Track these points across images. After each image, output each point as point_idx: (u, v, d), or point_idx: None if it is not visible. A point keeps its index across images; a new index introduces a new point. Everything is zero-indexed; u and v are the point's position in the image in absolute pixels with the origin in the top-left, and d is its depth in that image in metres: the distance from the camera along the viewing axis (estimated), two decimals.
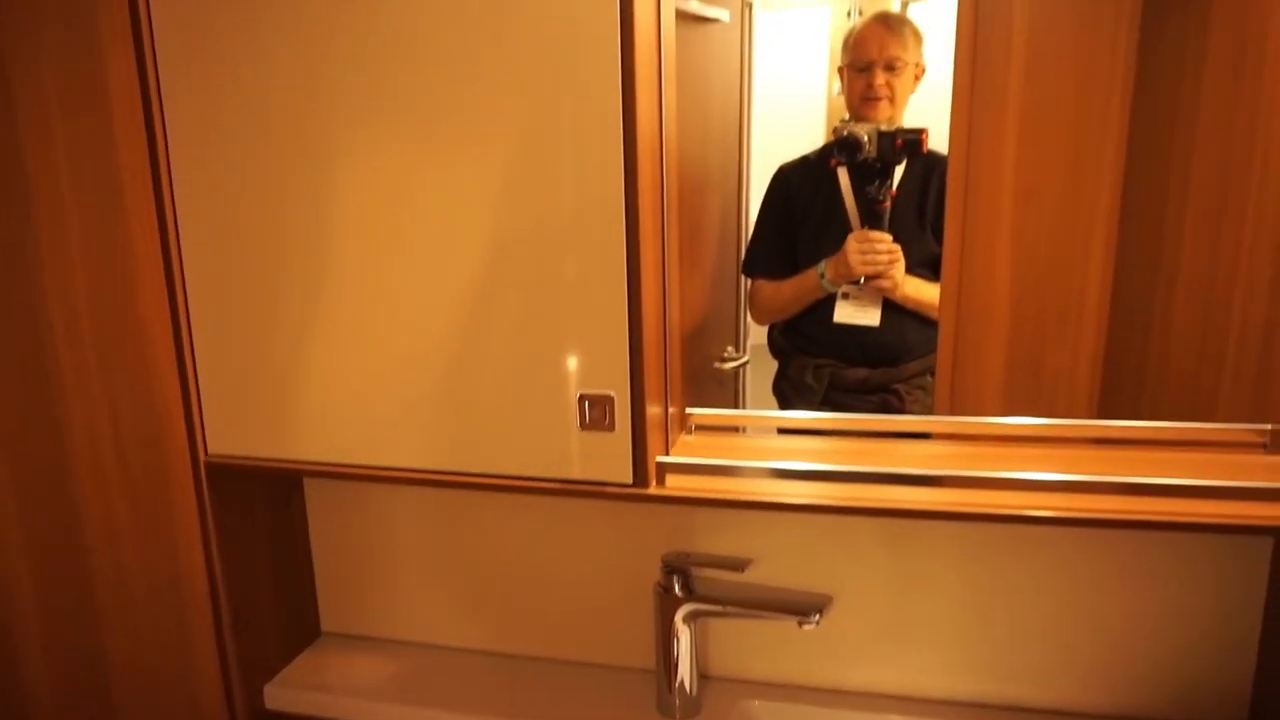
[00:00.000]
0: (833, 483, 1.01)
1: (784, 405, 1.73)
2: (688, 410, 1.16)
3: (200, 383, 1.14)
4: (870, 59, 1.60)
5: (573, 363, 0.99)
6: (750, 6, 1.71)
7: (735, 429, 1.24)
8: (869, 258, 1.56)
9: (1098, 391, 1.28)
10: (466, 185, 0.98)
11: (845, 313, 1.63)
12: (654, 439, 1.02)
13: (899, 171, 1.58)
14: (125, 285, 1.11)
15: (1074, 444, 1.10)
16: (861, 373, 1.66)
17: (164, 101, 1.07)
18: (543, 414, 1.02)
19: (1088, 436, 1.11)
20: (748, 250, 1.80)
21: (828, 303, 1.63)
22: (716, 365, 1.78)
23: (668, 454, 1.05)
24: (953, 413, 1.35)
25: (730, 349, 1.83)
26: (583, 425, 1.00)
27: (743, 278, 1.76)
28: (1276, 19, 1.07)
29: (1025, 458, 1.03)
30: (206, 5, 1.02)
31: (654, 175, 0.97)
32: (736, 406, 1.81)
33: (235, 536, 1.24)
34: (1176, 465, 0.98)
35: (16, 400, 1.18)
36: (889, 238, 1.55)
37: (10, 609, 1.28)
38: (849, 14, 1.96)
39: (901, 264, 1.55)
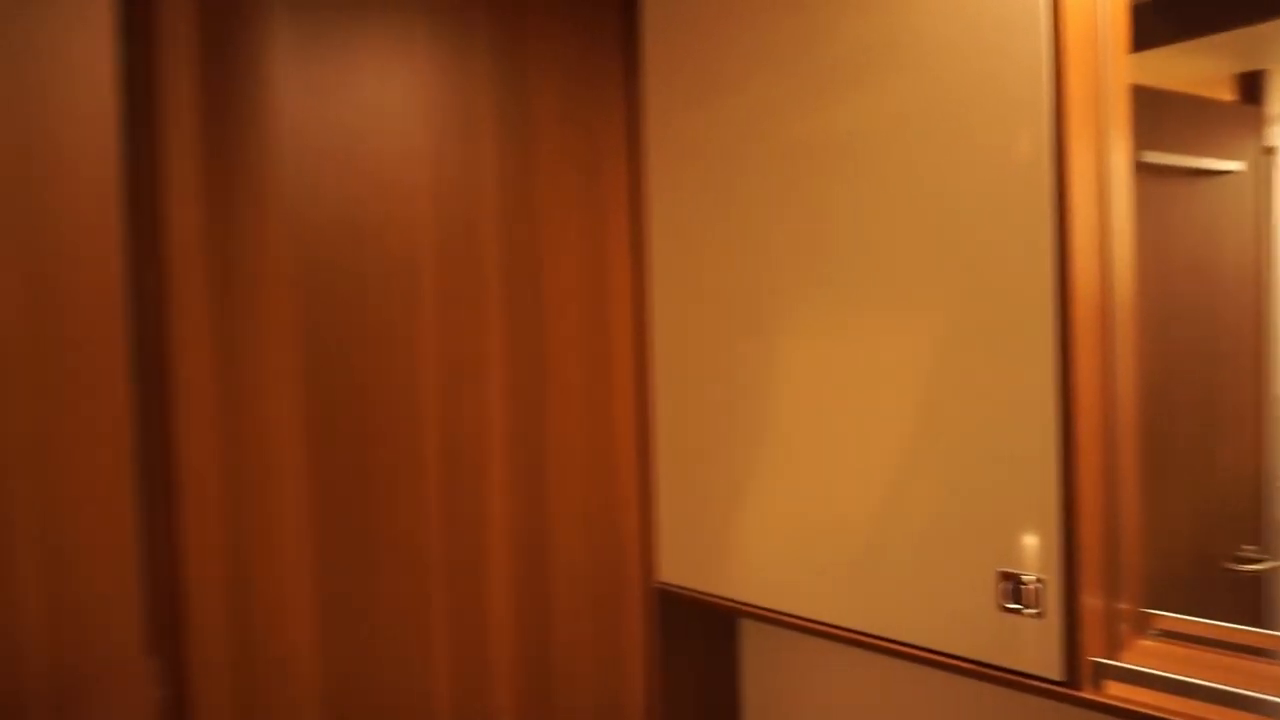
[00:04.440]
0: None
1: None
2: (1149, 610, 0.99)
3: (660, 517, 1.32)
4: None
5: (995, 537, 0.93)
6: (1272, 152, 1.45)
7: (1231, 645, 1.00)
8: None
9: None
10: (897, 357, 1.03)
11: None
12: (1092, 635, 0.89)
13: None
14: (606, 432, 1.35)
15: None
16: None
17: (652, 287, 1.34)
18: (959, 587, 0.97)
19: None
20: None
21: None
22: (1228, 566, 1.45)
23: (1112, 656, 0.90)
24: None
25: (1250, 547, 1.47)
26: (1003, 606, 0.92)
27: (1266, 454, 1.41)
28: None
29: None
30: (690, 208, 1.28)
31: (1095, 342, 0.90)
32: (1257, 620, 1.42)
33: (672, 664, 1.37)
34: None
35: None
36: None
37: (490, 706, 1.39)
38: None
39: None
